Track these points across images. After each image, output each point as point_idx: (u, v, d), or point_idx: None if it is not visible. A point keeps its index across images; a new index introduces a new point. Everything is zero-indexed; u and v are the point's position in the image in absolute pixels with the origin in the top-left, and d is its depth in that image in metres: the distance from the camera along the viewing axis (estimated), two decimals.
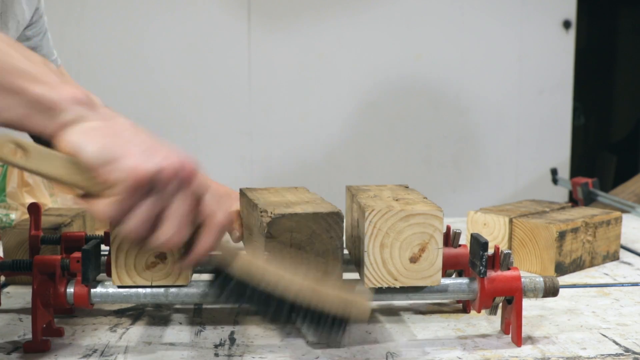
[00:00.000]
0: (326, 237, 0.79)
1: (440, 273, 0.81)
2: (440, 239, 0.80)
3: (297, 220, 0.79)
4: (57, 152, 0.62)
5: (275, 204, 0.85)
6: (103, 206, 0.62)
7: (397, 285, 0.81)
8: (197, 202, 0.66)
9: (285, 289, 0.72)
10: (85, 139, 0.61)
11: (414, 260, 0.80)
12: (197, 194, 0.66)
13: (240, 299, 0.73)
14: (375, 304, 0.98)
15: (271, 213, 0.79)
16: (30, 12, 1.07)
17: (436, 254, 0.80)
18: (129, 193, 0.61)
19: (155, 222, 0.64)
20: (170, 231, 0.64)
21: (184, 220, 0.65)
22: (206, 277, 0.77)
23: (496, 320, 0.90)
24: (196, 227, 0.68)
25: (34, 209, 0.97)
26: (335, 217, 0.80)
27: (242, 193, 0.96)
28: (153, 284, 0.81)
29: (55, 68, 0.64)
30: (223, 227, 0.69)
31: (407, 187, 0.97)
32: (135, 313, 0.94)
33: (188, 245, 0.69)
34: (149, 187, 0.62)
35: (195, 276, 1.04)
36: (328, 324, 0.73)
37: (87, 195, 0.64)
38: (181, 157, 0.64)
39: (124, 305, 0.96)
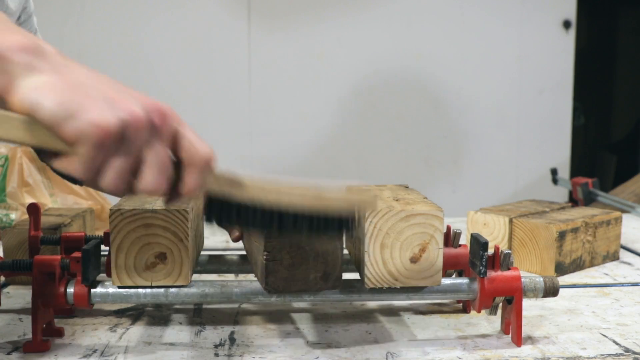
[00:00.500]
0: (326, 237, 0.80)
1: (440, 273, 0.81)
2: (440, 239, 0.80)
3: None
4: (12, 113, 0.56)
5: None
6: (72, 165, 0.57)
7: (398, 285, 0.81)
8: (174, 141, 0.62)
9: (287, 203, 0.69)
10: (39, 94, 0.55)
11: (414, 260, 0.80)
12: (172, 133, 0.62)
13: (241, 220, 0.70)
14: (375, 304, 0.98)
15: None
16: (18, 11, 1.06)
17: (437, 254, 0.80)
18: (95, 149, 0.56)
19: (132, 174, 0.59)
20: (150, 181, 0.59)
21: (162, 166, 0.60)
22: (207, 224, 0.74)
23: (496, 320, 0.90)
24: (179, 166, 0.64)
25: (34, 210, 0.97)
26: None
27: None
28: (153, 285, 0.81)
29: None
30: (207, 160, 0.64)
31: (407, 187, 0.97)
32: (135, 313, 0.94)
33: (175, 185, 0.64)
34: (117, 140, 0.56)
35: (195, 276, 1.04)
36: (335, 226, 0.73)
37: (55, 154, 0.57)
38: (148, 102, 0.59)
39: (124, 305, 0.96)
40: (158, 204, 0.81)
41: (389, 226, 0.79)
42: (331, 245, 0.79)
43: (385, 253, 0.80)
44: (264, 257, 0.79)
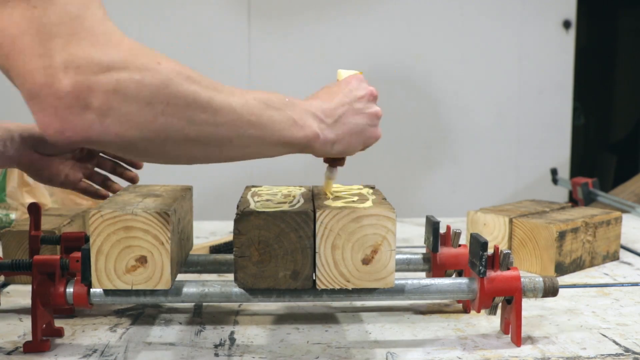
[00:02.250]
0: (294, 236, 0.79)
1: (393, 275, 0.80)
2: (393, 241, 0.79)
3: (264, 218, 0.79)
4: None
5: (253, 201, 0.86)
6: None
7: (350, 287, 0.80)
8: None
9: None
10: (333, 149, 0.81)
11: (366, 262, 0.79)
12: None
13: None
14: (375, 304, 0.98)
15: (240, 210, 0.80)
16: None
17: (389, 256, 0.79)
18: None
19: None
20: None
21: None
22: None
23: (496, 320, 0.90)
24: None
25: (34, 209, 0.97)
26: (303, 217, 0.79)
27: (246, 189, 0.97)
28: (133, 288, 0.79)
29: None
30: None
31: (372, 188, 0.96)
32: (135, 313, 0.94)
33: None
34: None
35: (195, 276, 1.04)
36: None
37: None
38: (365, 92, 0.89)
39: (124, 305, 0.96)
40: (139, 206, 0.81)
41: (340, 227, 0.79)
42: (300, 244, 0.79)
43: (337, 254, 0.79)
44: (234, 252, 0.79)
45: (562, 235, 1.12)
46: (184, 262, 0.94)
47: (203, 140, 0.67)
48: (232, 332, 0.87)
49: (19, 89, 0.60)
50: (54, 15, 0.59)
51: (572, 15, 2.75)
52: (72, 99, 0.59)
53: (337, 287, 0.80)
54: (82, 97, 0.59)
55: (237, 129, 0.69)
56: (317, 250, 0.79)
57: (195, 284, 0.83)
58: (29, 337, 0.81)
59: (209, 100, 0.66)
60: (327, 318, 0.93)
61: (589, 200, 2.02)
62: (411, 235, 1.42)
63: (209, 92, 0.67)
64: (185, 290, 0.83)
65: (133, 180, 1.07)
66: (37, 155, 1.01)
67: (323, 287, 0.80)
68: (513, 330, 0.83)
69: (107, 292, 0.81)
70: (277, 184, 1.03)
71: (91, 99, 0.59)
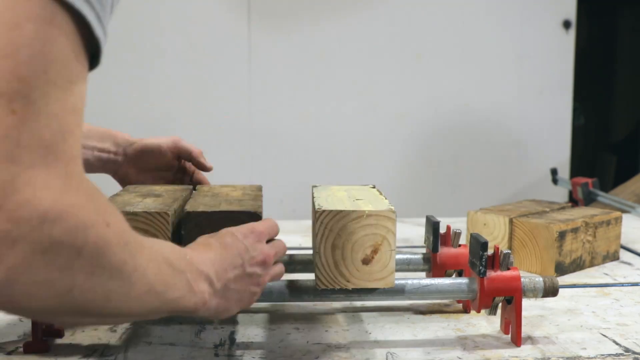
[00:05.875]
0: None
1: (393, 275, 0.80)
2: (393, 241, 0.79)
3: (206, 217, 0.79)
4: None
5: (209, 200, 0.86)
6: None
7: (350, 287, 0.80)
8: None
9: None
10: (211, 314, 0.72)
11: (366, 262, 0.79)
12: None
13: None
14: (375, 303, 0.98)
15: (186, 210, 0.80)
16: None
17: (389, 256, 0.79)
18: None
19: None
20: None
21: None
22: None
23: (496, 320, 0.90)
24: None
25: None
26: (253, 217, 0.80)
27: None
28: None
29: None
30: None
31: (372, 188, 0.96)
32: None
33: None
34: None
35: None
36: None
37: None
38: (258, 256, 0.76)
39: None
40: (139, 206, 0.80)
41: (340, 227, 0.78)
42: None
43: (337, 254, 0.79)
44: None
45: (562, 235, 1.12)
46: None
47: (112, 312, 0.56)
48: (232, 332, 0.87)
49: None
50: (28, 135, 0.47)
51: (572, 15, 2.75)
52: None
53: (337, 287, 0.80)
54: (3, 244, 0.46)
55: (145, 300, 0.58)
56: (317, 250, 0.79)
57: None
58: (29, 337, 0.81)
59: (131, 273, 0.55)
60: (327, 318, 0.93)
61: (589, 200, 2.01)
62: (411, 235, 1.42)
63: (133, 260, 0.55)
64: None
65: (201, 182, 1.12)
66: (134, 169, 1.07)
67: (323, 287, 0.80)
68: (513, 330, 0.83)
69: None
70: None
71: (6, 257, 0.46)
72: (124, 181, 1.09)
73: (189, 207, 0.82)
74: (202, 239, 0.73)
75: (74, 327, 0.81)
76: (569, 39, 2.76)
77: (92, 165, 1.06)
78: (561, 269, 1.13)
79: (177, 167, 1.11)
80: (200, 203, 0.85)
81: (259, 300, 0.83)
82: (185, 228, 0.80)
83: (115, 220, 0.53)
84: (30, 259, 0.47)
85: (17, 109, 0.47)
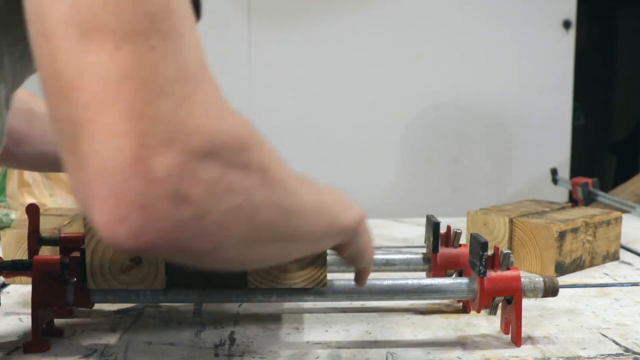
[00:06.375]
0: None
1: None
2: None
3: None
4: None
5: None
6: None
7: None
8: None
9: None
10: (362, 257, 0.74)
11: None
12: None
13: None
14: (375, 303, 0.98)
15: None
16: None
17: None
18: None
19: None
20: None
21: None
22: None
23: (496, 320, 0.90)
24: None
25: (32, 210, 0.97)
26: None
27: None
28: (128, 288, 0.79)
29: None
30: None
31: None
32: (135, 313, 0.94)
33: None
34: None
35: None
36: None
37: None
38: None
39: (124, 305, 0.96)
40: None
41: None
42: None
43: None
44: None
45: (562, 235, 1.12)
46: None
47: (293, 235, 0.57)
48: (232, 332, 0.87)
49: (67, 164, 0.45)
50: (173, 67, 0.45)
51: (572, 15, 2.75)
52: (167, 187, 0.43)
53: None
54: (181, 186, 0.43)
55: (316, 218, 0.59)
56: None
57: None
58: (29, 337, 0.81)
59: (297, 189, 0.55)
60: (327, 318, 0.93)
61: (589, 200, 2.01)
62: (411, 235, 1.42)
63: (293, 177, 0.56)
64: (185, 290, 0.83)
65: None
66: None
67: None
68: (513, 330, 0.83)
69: (107, 292, 0.81)
70: None
71: (192, 189, 0.44)
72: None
73: None
74: None
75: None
76: (569, 39, 2.76)
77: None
78: (561, 269, 1.13)
79: None
80: None
81: (262, 300, 0.83)
82: None
83: (266, 140, 0.52)
84: (212, 188, 0.45)
85: (155, 45, 0.45)
